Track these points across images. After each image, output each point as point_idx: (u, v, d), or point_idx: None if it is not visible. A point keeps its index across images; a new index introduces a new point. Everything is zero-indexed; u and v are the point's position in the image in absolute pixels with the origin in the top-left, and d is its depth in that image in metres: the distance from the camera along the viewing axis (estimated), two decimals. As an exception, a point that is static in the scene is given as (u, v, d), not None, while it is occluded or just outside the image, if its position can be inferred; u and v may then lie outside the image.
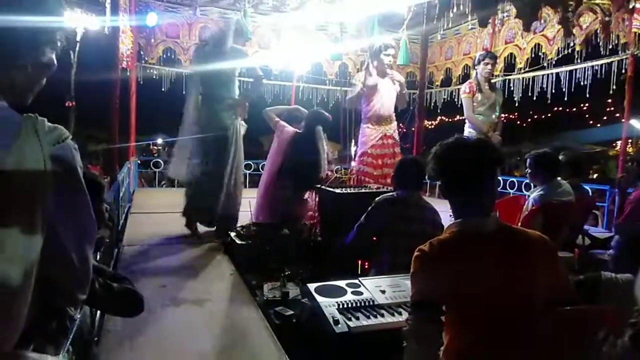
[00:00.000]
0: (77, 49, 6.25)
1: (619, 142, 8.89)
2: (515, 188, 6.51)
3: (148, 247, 3.80)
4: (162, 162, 8.02)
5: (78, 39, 6.17)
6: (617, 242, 2.36)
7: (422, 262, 1.50)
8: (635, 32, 4.88)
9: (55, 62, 1.02)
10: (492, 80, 5.47)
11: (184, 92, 6.98)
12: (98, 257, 2.46)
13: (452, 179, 1.59)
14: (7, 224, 0.84)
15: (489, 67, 5.11)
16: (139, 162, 7.80)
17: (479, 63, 5.17)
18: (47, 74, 1.02)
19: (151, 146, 15.08)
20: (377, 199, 3.07)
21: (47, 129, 0.92)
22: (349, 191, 3.90)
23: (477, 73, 5.22)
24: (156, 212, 5.21)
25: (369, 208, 3.04)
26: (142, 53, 6.75)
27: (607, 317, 1.50)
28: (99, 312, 2.34)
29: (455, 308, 1.48)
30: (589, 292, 1.99)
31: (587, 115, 18.43)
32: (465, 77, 7.06)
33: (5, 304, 0.85)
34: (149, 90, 7.18)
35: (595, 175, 10.96)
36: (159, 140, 15.79)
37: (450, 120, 15.66)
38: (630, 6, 4.31)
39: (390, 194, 3.13)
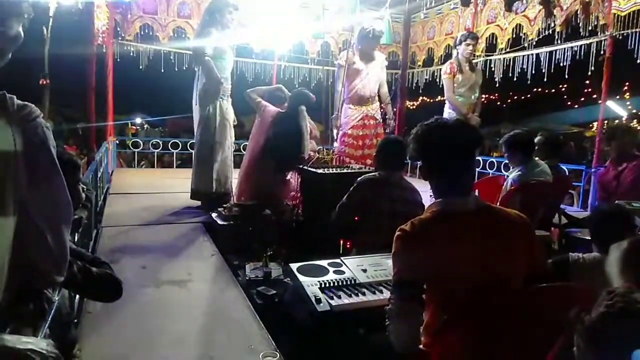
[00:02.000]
0: (50, 24, 6.03)
1: (595, 123, 9.07)
2: (495, 168, 6.60)
3: (128, 228, 3.75)
4: (141, 142, 7.88)
5: (51, 13, 5.94)
6: (590, 223, 2.43)
7: (403, 241, 1.51)
8: (614, 14, 4.92)
9: (22, 35, 0.98)
10: (474, 61, 5.48)
11: (162, 70, 6.90)
12: (76, 238, 2.42)
13: (432, 160, 1.60)
14: None
15: (470, 47, 5.11)
16: (117, 142, 7.65)
17: (460, 43, 5.17)
18: (14, 48, 0.98)
19: (130, 126, 14.78)
20: (359, 178, 3.07)
21: (16, 106, 0.89)
22: (331, 171, 3.90)
23: (458, 53, 5.22)
24: (136, 193, 5.14)
25: (351, 188, 3.05)
26: (118, 29, 6.55)
27: (578, 294, 1.54)
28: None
29: (437, 286, 1.51)
30: (558, 273, 2.06)
31: (565, 96, 18.67)
32: (447, 57, 7.05)
33: None
34: (127, 68, 7.00)
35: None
36: (138, 120, 15.52)
37: (431, 100, 15.69)
38: (610, -13, 4.34)
39: (372, 174, 3.14)
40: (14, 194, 0.86)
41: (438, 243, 1.48)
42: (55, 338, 1.39)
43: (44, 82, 6.50)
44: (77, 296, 2.21)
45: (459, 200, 1.54)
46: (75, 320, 2.12)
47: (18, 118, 0.88)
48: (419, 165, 1.66)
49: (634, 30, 4.84)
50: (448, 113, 5.30)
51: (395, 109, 6.25)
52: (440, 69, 5.87)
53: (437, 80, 7.08)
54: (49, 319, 1.27)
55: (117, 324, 2.19)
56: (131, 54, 6.75)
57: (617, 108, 16.25)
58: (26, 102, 0.91)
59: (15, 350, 0.89)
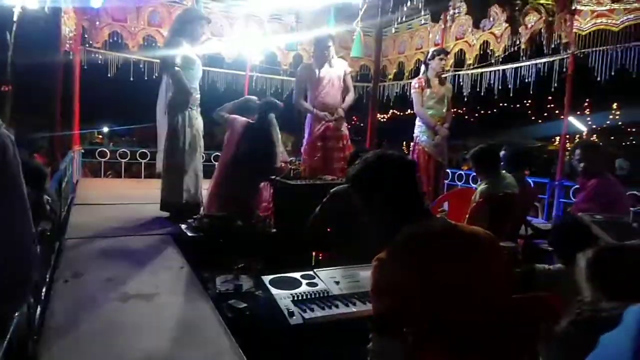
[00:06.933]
0: (14, 29, 5.84)
1: (558, 138, 9.43)
2: (464, 180, 6.74)
3: (93, 239, 3.63)
4: (107, 152, 7.69)
5: (15, 18, 5.76)
6: (551, 236, 2.52)
7: (383, 269, 1.45)
8: (575, 33, 5.14)
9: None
10: (443, 76, 5.64)
11: (131, 78, 6.78)
12: (38, 250, 2.32)
13: (389, 186, 1.57)
14: None
15: (443, 62, 5.36)
16: (82, 151, 7.43)
17: (432, 58, 5.34)
18: None
19: (96, 134, 14.44)
20: (332, 190, 3.08)
21: None
22: (303, 183, 3.89)
23: (428, 68, 5.37)
24: (102, 204, 4.99)
25: (324, 199, 3.05)
26: (86, 36, 6.40)
27: (549, 303, 1.58)
28: (39, 308, 2.22)
29: (419, 310, 1.43)
30: (525, 284, 2.11)
31: (529, 112, 19.33)
32: (417, 71, 7.15)
33: None
34: (94, 76, 6.84)
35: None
36: (105, 129, 15.19)
37: (402, 113, 15.96)
38: (573, 7, 4.52)
39: (345, 185, 3.15)
40: None
41: (419, 266, 1.43)
42: (14, 355, 1.33)
43: (6, 89, 6.27)
44: (38, 311, 2.12)
45: (426, 221, 1.53)
46: (35, 337, 2.03)
47: None
48: (366, 204, 1.63)
49: (594, 49, 5.06)
50: (418, 126, 5.45)
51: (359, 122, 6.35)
52: (411, 83, 5.99)
53: (408, 93, 7.17)
54: (9, 335, 1.20)
55: (80, 339, 2.10)
56: (99, 62, 6.60)
57: (578, 123, 16.94)
58: None
59: None
